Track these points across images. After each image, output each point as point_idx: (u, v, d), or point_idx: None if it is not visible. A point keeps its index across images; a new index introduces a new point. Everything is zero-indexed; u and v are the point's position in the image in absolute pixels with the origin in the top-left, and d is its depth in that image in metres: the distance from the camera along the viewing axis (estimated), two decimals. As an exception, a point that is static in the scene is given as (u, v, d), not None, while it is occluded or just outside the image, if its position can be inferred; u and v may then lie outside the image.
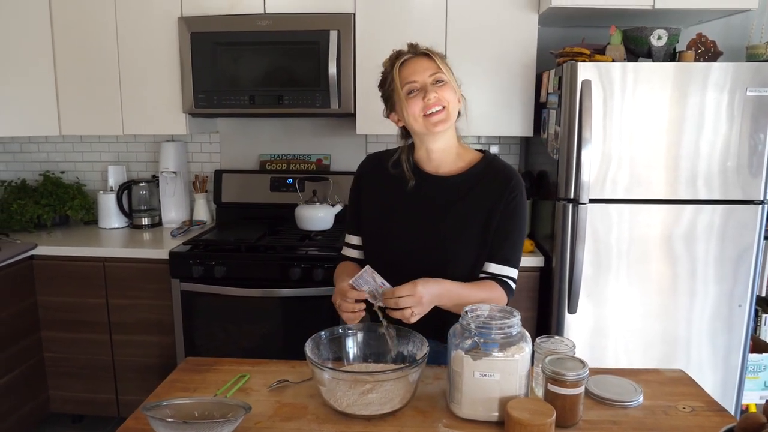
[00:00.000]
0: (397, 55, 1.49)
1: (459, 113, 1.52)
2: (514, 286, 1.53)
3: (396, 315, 1.32)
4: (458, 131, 1.56)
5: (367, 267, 1.36)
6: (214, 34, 2.64)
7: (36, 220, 2.94)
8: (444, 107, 1.44)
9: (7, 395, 2.55)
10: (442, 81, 1.44)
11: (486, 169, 1.53)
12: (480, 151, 1.59)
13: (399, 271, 1.40)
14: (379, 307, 1.37)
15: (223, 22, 2.64)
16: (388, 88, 1.50)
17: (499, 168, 1.54)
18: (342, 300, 1.38)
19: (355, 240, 1.65)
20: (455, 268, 1.47)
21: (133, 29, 2.73)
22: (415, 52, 1.47)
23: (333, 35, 2.56)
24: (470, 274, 1.50)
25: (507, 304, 1.48)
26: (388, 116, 1.56)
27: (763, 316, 2.75)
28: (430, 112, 1.43)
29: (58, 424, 2.91)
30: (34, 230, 2.93)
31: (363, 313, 1.38)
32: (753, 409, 2.60)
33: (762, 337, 2.74)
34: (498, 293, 1.48)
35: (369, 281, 1.36)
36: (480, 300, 1.42)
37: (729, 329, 2.38)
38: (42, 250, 2.65)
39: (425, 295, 1.33)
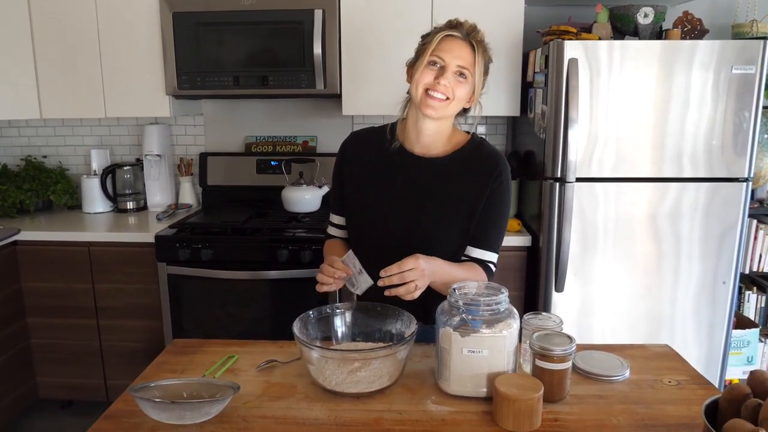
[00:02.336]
0: (450, 26, 1.42)
1: (467, 110, 1.51)
2: (494, 269, 1.54)
3: (400, 291, 1.30)
4: (456, 124, 1.55)
5: (350, 252, 1.38)
6: (197, 14, 2.59)
7: (18, 205, 2.90)
8: (447, 98, 1.41)
9: (-7, 382, 2.54)
10: (465, 77, 1.41)
11: (473, 152, 1.52)
12: (468, 132, 1.57)
13: (381, 251, 1.39)
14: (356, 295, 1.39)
15: (206, 1, 2.58)
16: (422, 44, 1.46)
17: (486, 152, 1.52)
18: (326, 265, 1.38)
19: (338, 219, 1.64)
20: (437, 251, 1.46)
21: (113, 9, 2.67)
22: (466, 36, 1.41)
23: (317, 14, 2.52)
24: (453, 256, 1.50)
25: None
26: (407, 65, 1.51)
27: (747, 292, 2.79)
28: (432, 93, 1.41)
29: (46, 410, 2.89)
30: (17, 216, 2.89)
31: (336, 286, 1.39)
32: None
33: (745, 314, 2.78)
34: (482, 277, 1.49)
35: (352, 264, 1.37)
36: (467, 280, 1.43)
37: (713, 306, 2.41)
38: (25, 236, 2.62)
39: (426, 268, 1.32)
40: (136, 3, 2.65)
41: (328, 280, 1.38)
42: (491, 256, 1.52)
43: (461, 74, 1.41)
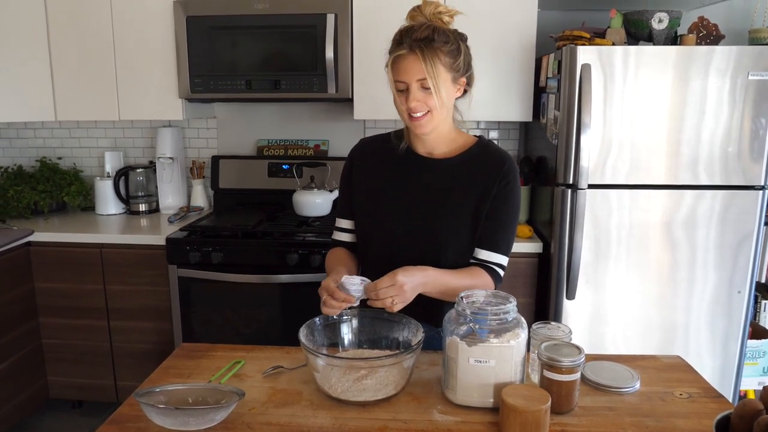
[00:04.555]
0: (398, 42, 1.40)
1: (466, 92, 1.50)
2: (502, 273, 1.51)
3: (377, 305, 1.30)
4: (459, 113, 1.54)
5: (344, 277, 1.34)
6: (210, 17, 2.61)
7: (33, 206, 2.93)
8: (428, 111, 1.41)
9: (5, 382, 2.56)
10: (428, 87, 1.38)
11: (480, 153, 1.52)
12: (475, 136, 1.57)
13: (390, 253, 1.39)
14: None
15: (219, 5, 2.60)
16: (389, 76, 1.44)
17: (492, 153, 1.52)
18: (328, 297, 1.33)
19: (345, 224, 1.64)
20: (447, 253, 1.46)
21: (128, 13, 2.70)
22: (410, 47, 1.37)
23: (330, 18, 2.52)
24: (462, 259, 1.49)
25: None
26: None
27: (763, 302, 2.74)
28: (413, 115, 1.41)
29: (57, 410, 2.92)
30: (31, 217, 2.92)
31: (342, 309, 1.36)
32: (751, 395, 2.60)
33: (761, 324, 2.73)
34: (485, 281, 1.47)
35: (354, 283, 1.34)
36: (467, 287, 1.40)
37: (728, 315, 2.37)
38: (39, 237, 2.64)
39: (406, 283, 1.30)
40: (151, 7, 2.68)
41: (335, 312, 1.35)
42: (498, 258, 1.50)
43: (423, 87, 1.39)
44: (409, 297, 1.33)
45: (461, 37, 1.46)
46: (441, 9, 1.42)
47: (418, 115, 1.40)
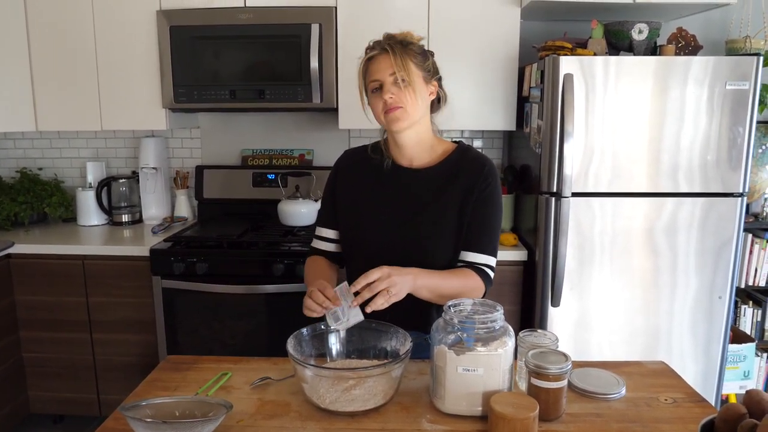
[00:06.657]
0: (369, 48, 1.46)
1: (439, 102, 1.53)
2: (492, 274, 1.52)
3: (377, 303, 1.28)
4: (435, 125, 1.56)
5: (344, 284, 1.34)
6: (194, 27, 2.60)
7: (13, 217, 2.89)
8: (401, 107, 1.43)
9: (-15, 396, 2.51)
10: (404, 81, 1.41)
11: (460, 159, 1.54)
12: (454, 141, 1.59)
13: (376, 264, 1.39)
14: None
15: (203, 15, 2.60)
16: (359, 72, 1.49)
17: (472, 157, 1.54)
18: (319, 292, 1.33)
19: (325, 233, 1.64)
20: (434, 260, 1.47)
21: (110, 22, 2.68)
22: (380, 47, 1.43)
23: (314, 28, 2.53)
24: (449, 265, 1.50)
25: (485, 294, 1.48)
26: (363, 107, 1.53)
27: (743, 307, 2.79)
28: (389, 111, 1.43)
29: (38, 425, 2.86)
30: (11, 228, 2.88)
31: (320, 312, 1.33)
32: (733, 399, 2.64)
33: (741, 328, 2.78)
34: (474, 281, 1.47)
35: (343, 297, 1.33)
36: (456, 287, 1.42)
37: (709, 320, 2.40)
38: (19, 249, 2.60)
39: (394, 274, 1.31)
40: (134, 16, 2.66)
41: (317, 308, 1.32)
42: (485, 259, 1.50)
43: (397, 81, 1.42)
44: (401, 291, 1.31)
45: (429, 52, 1.52)
46: (394, 38, 1.46)
47: (393, 107, 1.42)
